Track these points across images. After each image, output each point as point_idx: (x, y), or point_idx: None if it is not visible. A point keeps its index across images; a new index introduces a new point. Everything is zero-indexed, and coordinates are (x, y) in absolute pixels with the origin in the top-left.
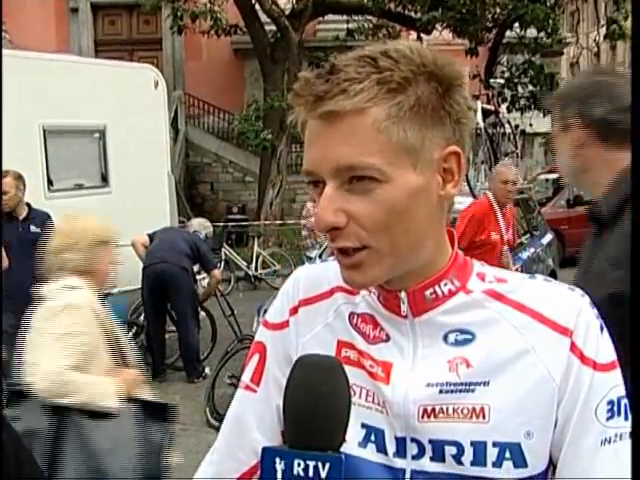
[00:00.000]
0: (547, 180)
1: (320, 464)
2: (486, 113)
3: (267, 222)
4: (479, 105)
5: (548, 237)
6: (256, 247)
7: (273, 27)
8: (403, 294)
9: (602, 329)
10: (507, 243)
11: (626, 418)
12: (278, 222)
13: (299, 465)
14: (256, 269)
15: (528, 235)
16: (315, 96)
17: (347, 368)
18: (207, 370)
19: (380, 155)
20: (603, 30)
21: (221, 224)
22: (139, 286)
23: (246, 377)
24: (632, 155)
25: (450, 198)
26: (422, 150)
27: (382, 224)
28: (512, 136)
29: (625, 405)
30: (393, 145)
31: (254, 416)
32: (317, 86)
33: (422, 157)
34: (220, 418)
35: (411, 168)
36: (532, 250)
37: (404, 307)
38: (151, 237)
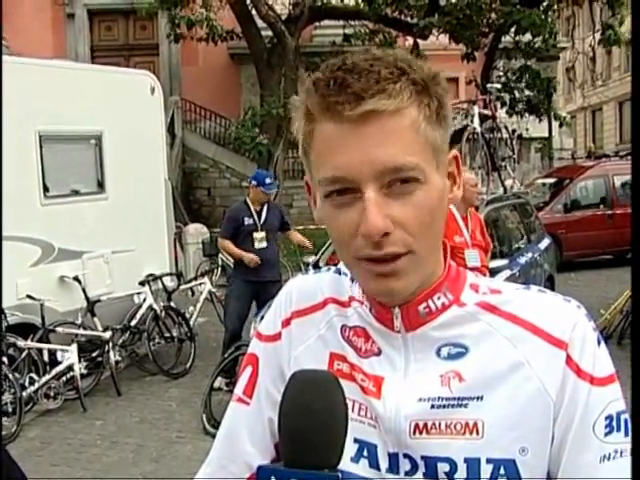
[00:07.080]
0: (544, 184)
1: None
2: (483, 118)
3: None
4: (476, 110)
5: (545, 242)
6: None
7: (269, 32)
8: (397, 310)
9: (599, 342)
10: (479, 246)
11: (626, 434)
12: None
13: None
14: None
15: (525, 240)
16: (355, 94)
17: (340, 381)
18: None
19: (420, 155)
20: (598, 35)
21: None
22: (136, 291)
23: (239, 389)
24: (632, 157)
25: (456, 200)
26: (442, 152)
27: (426, 227)
28: (509, 141)
29: (625, 420)
30: (427, 146)
31: (246, 429)
32: (353, 84)
33: (442, 159)
34: (217, 425)
35: (436, 169)
36: (529, 255)
37: (397, 323)
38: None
